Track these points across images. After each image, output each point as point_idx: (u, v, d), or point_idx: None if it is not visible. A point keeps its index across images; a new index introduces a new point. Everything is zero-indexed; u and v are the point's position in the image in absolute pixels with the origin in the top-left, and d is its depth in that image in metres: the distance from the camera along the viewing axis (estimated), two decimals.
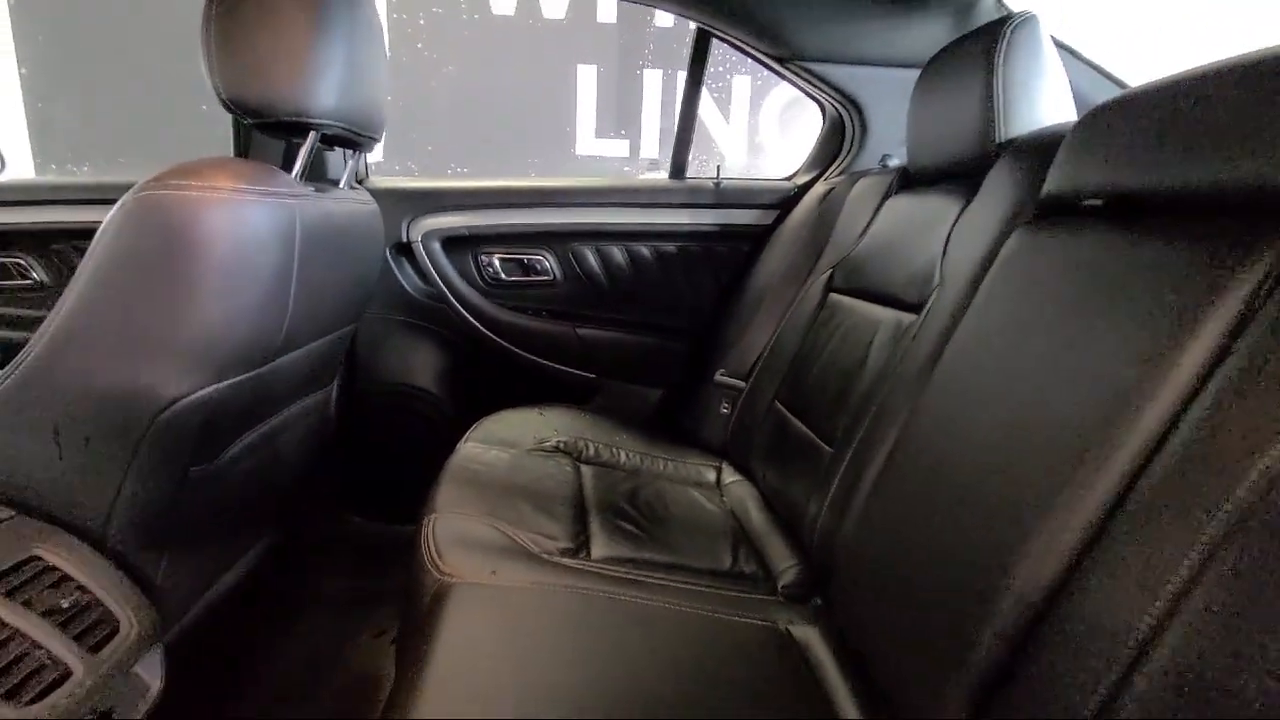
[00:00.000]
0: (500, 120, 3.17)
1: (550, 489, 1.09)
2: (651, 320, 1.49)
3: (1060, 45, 1.19)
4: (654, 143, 3.58)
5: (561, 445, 1.26)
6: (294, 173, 0.86)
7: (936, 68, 1.01)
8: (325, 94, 0.82)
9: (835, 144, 1.43)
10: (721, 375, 1.39)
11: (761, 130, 3.55)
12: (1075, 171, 0.68)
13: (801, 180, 1.48)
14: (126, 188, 0.70)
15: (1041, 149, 0.78)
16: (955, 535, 0.61)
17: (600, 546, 0.96)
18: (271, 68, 0.78)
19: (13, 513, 0.70)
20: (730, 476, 1.31)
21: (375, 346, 1.39)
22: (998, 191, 0.83)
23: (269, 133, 0.87)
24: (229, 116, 0.94)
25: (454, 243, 1.41)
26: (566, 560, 0.89)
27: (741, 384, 1.35)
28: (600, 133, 3.58)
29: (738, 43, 1.31)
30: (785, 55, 1.31)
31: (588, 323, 1.47)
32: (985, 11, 1.17)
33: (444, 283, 1.40)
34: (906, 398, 0.80)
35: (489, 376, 1.47)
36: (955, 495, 0.64)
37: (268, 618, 1.23)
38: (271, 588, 1.25)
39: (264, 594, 1.22)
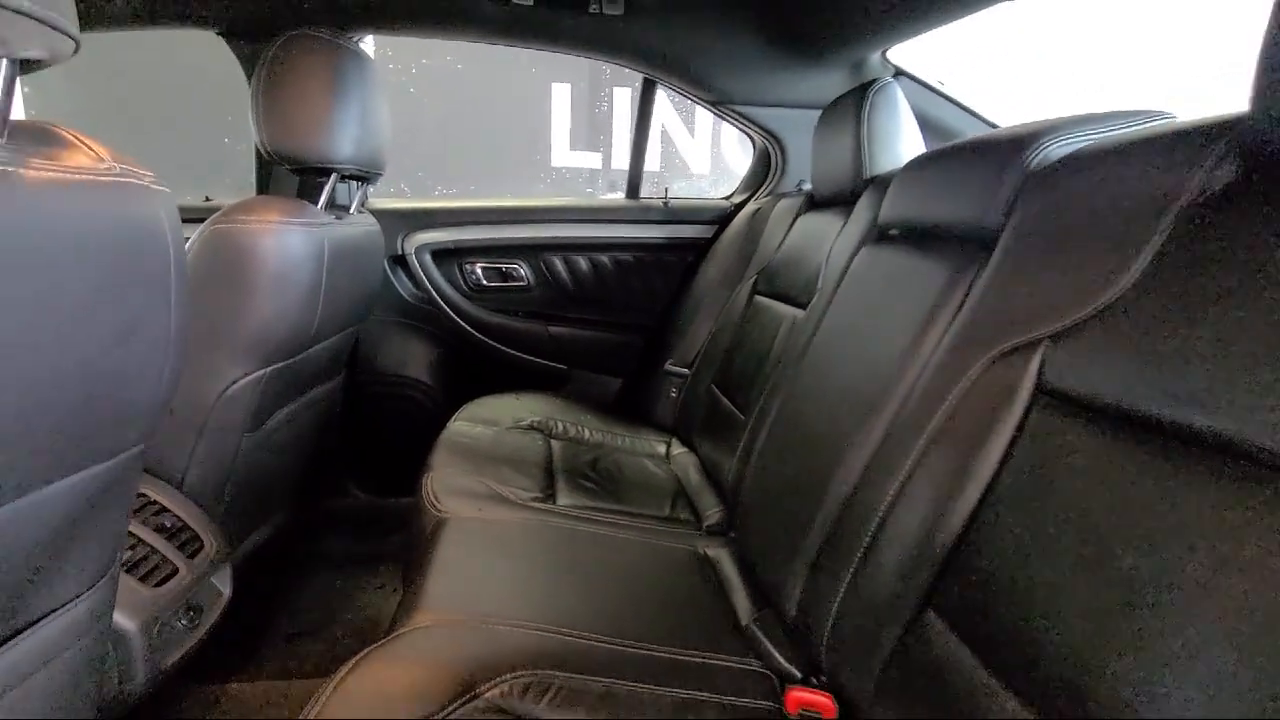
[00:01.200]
0: (484, 139, 3.41)
1: (525, 456, 1.33)
2: (611, 319, 1.75)
3: (937, 91, 1.48)
4: (624, 155, 3.84)
5: (535, 424, 1.51)
6: (319, 204, 1.10)
7: (827, 116, 1.28)
8: (343, 144, 1.06)
9: (763, 171, 1.70)
10: (670, 365, 1.65)
11: (722, 142, 3.83)
12: (890, 206, 0.95)
13: (737, 200, 1.75)
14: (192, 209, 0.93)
15: (885, 186, 1.05)
16: (803, 466, 0.88)
17: (565, 497, 1.21)
18: (304, 127, 1.02)
19: None
20: (677, 449, 1.56)
21: (376, 344, 1.63)
22: (860, 217, 1.10)
23: (300, 174, 1.11)
24: (250, 147, 1.18)
25: (442, 254, 1.65)
26: (537, 504, 1.14)
27: (686, 371, 1.61)
28: (574, 145, 3.83)
29: (679, 90, 1.58)
30: (718, 100, 1.58)
31: (557, 321, 1.72)
32: (872, 67, 1.45)
33: (434, 289, 1.64)
34: (790, 376, 1.06)
35: (473, 368, 1.71)
36: (806, 440, 0.90)
37: (287, 573, 1.46)
38: (290, 550, 1.48)
39: (284, 555, 1.45)
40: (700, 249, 1.72)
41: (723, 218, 1.72)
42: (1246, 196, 0.51)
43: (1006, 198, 0.72)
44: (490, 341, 1.69)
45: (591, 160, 3.83)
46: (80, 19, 0.42)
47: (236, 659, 1.15)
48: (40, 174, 0.40)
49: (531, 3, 1.26)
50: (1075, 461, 0.54)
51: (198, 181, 1.70)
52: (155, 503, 0.88)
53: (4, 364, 0.39)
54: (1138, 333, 0.53)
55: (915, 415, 0.72)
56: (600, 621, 0.82)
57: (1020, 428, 0.61)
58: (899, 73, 1.46)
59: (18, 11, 0.36)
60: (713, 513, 1.23)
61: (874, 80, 1.19)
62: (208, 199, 1.54)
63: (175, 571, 0.83)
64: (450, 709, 0.64)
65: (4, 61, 0.39)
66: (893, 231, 0.94)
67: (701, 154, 3.85)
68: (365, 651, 0.69)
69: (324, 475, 1.58)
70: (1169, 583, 0.43)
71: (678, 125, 3.84)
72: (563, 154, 3.75)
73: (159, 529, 0.85)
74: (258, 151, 1.37)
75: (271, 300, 0.96)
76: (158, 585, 0.79)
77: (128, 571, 0.77)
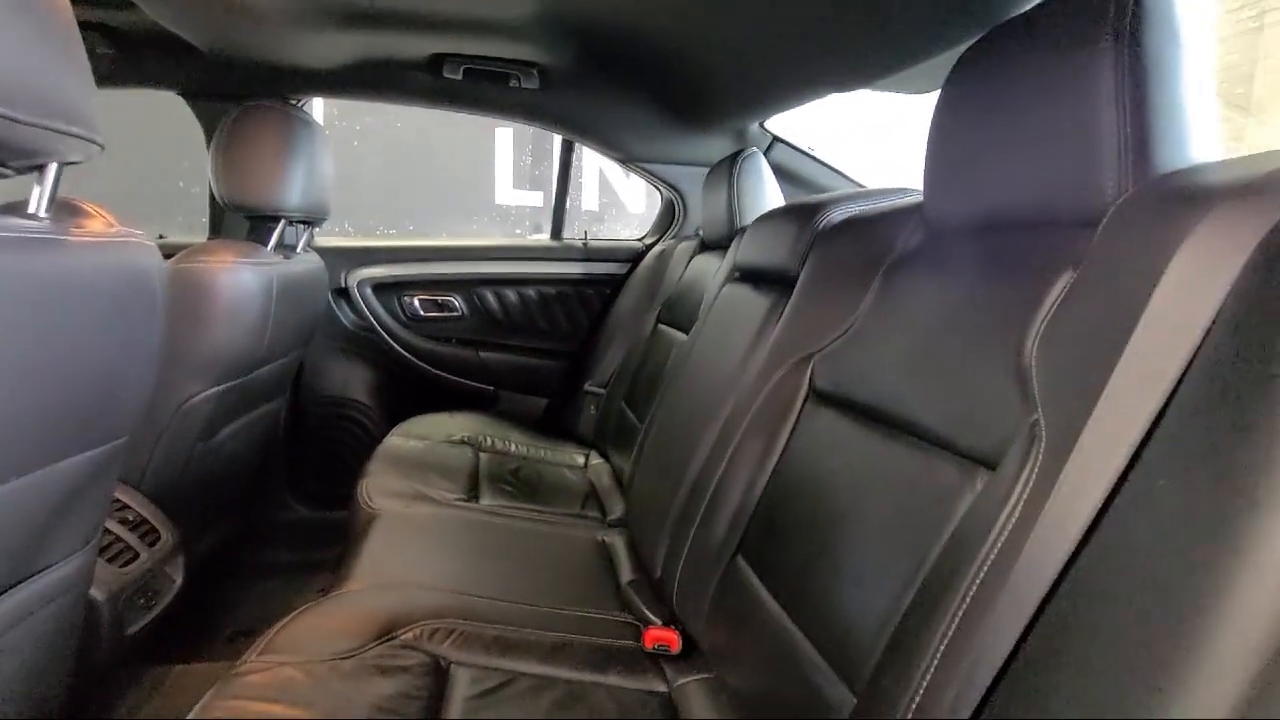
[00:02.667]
0: (430, 181, 3.63)
1: (454, 466, 1.51)
2: (537, 345, 1.95)
3: (807, 154, 1.76)
4: None
5: (465, 439, 1.69)
6: (269, 245, 1.28)
7: (709, 177, 1.54)
8: (291, 195, 1.25)
9: (669, 217, 1.96)
10: (589, 385, 1.86)
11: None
12: (740, 253, 1.20)
13: (648, 241, 2.00)
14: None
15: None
16: (670, 458, 1.09)
17: (486, 498, 1.39)
18: (257, 181, 1.21)
19: None
20: (595, 460, 1.76)
21: (319, 368, 1.79)
22: (730, 259, 1.34)
23: (251, 219, 1.29)
24: (203, 190, 1.35)
25: (382, 288, 1.83)
26: (460, 504, 1.32)
27: (602, 391, 1.82)
28: (517, 185, 4.07)
29: (593, 148, 1.83)
30: (626, 158, 1.83)
31: (488, 348, 1.91)
32: (752, 134, 1.73)
33: (374, 318, 1.81)
34: (669, 388, 1.29)
35: (410, 391, 1.88)
36: (673, 438, 1.12)
37: (231, 578, 1.57)
38: (234, 558, 1.60)
39: (229, 562, 1.56)
40: (616, 284, 1.95)
41: (635, 256, 1.96)
42: (925, 255, 0.76)
43: (802, 251, 0.97)
44: (426, 366, 1.86)
45: (533, 199, 4.07)
46: None
47: (183, 650, 1.27)
48: (75, 238, 0.59)
49: (459, 77, 1.48)
50: (828, 439, 0.77)
51: (152, 220, 1.83)
52: (118, 500, 1.02)
53: (40, 369, 0.56)
54: (862, 349, 0.77)
55: (740, 411, 0.94)
56: (500, 586, 1.00)
57: (799, 417, 0.84)
58: (775, 139, 1.74)
59: (67, 134, 0.55)
60: (617, 510, 1.43)
61: (742, 149, 1.46)
62: (161, 236, 1.68)
63: (136, 556, 0.97)
64: (370, 646, 0.81)
65: (54, 165, 0.58)
66: (737, 273, 1.19)
67: (637, 196, 4.14)
68: (301, 609, 0.86)
69: (267, 488, 1.71)
70: (868, 518, 0.65)
71: (615, 170, 4.13)
72: (505, 193, 3.98)
73: (123, 521, 1.00)
74: (212, 197, 1.54)
75: (224, 328, 1.13)
76: (122, 566, 0.94)
77: (98, 554, 0.92)
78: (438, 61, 1.45)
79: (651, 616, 0.97)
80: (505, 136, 3.89)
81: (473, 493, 1.40)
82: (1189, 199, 0.45)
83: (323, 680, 0.73)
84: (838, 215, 0.97)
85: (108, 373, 0.64)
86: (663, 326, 1.64)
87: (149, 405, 1.04)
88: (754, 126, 1.72)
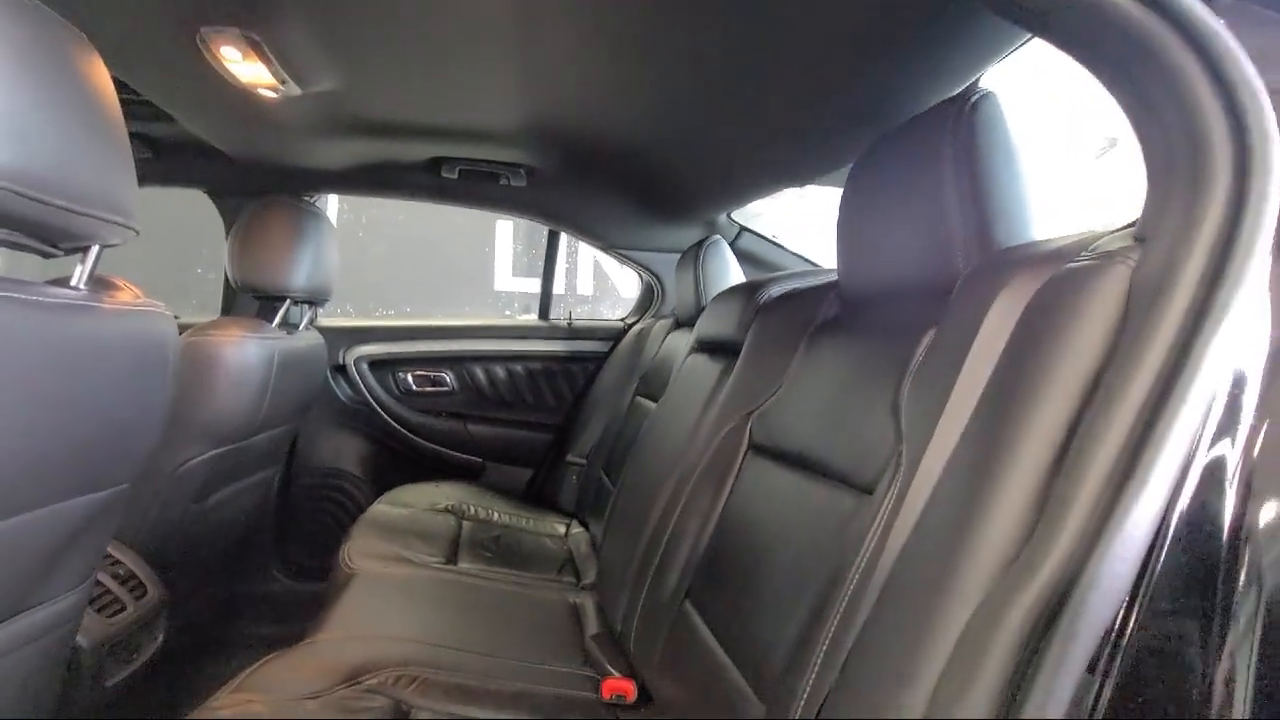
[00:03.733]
0: (433, 267, 3.87)
1: (436, 533, 1.56)
2: (523, 418, 2.04)
3: (769, 240, 1.93)
4: (560, 281, 4.34)
5: (450, 507, 1.75)
6: (274, 323, 1.40)
7: (680, 261, 1.69)
8: (297, 278, 1.39)
9: (648, 299, 2.11)
10: (571, 457, 1.94)
11: None
12: (699, 327, 1.32)
13: (629, 321, 2.14)
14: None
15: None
16: (633, 517, 1.16)
17: (464, 562, 1.44)
18: (267, 266, 1.35)
19: None
20: (575, 530, 1.81)
21: (313, 441, 1.87)
22: (695, 333, 1.46)
23: (260, 299, 1.42)
24: (218, 277, 1.49)
25: (377, 364, 1.94)
26: (438, 566, 1.37)
27: (584, 462, 1.89)
28: (516, 272, 4.30)
29: (576, 237, 2.01)
30: (607, 245, 2.01)
31: (476, 420, 2.00)
32: (721, 223, 1.90)
33: (369, 393, 1.92)
34: (637, 452, 1.37)
35: (401, 462, 1.95)
36: (636, 497, 1.19)
37: (209, 647, 1.58)
38: (215, 627, 1.62)
39: (209, 631, 1.58)
40: (598, 360, 2.07)
41: (617, 335, 2.09)
42: (839, 321, 0.87)
43: (746, 322, 1.09)
44: (416, 438, 1.95)
45: (531, 285, 4.29)
46: None
47: (157, 710, 1.28)
48: (108, 306, 0.70)
49: (456, 176, 1.67)
50: (762, 486, 0.85)
51: (170, 302, 1.99)
52: (111, 555, 1.09)
53: (65, 414, 0.66)
54: (789, 405, 0.87)
55: (691, 468, 1.02)
56: (467, 639, 1.05)
57: (740, 469, 0.92)
58: (742, 229, 1.92)
59: (110, 221, 0.68)
60: (592, 575, 1.47)
61: (708, 237, 1.61)
62: (176, 317, 1.82)
63: (124, 609, 1.03)
64: (336, 689, 0.85)
65: (95, 247, 0.70)
66: (697, 345, 1.31)
67: (630, 281, 4.36)
68: (273, 655, 0.91)
69: (254, 558, 1.75)
70: (787, 550, 0.72)
71: (607, 258, 4.39)
72: (505, 280, 4.20)
73: (114, 575, 1.06)
74: (226, 280, 1.69)
75: (226, 396, 1.23)
76: (109, 617, 0.99)
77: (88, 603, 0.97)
78: (436, 163, 1.64)
79: (610, 669, 1.01)
80: (505, 228, 4.15)
81: (452, 557, 1.45)
82: (1004, 267, 0.57)
83: (290, 714, 0.78)
84: (776, 291, 1.09)
85: (121, 423, 0.74)
86: (639, 399, 1.74)
87: (154, 466, 1.13)
88: (723, 217, 1.89)
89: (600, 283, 4.45)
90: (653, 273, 2.04)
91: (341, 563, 1.30)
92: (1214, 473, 0.34)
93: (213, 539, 1.38)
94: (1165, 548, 0.33)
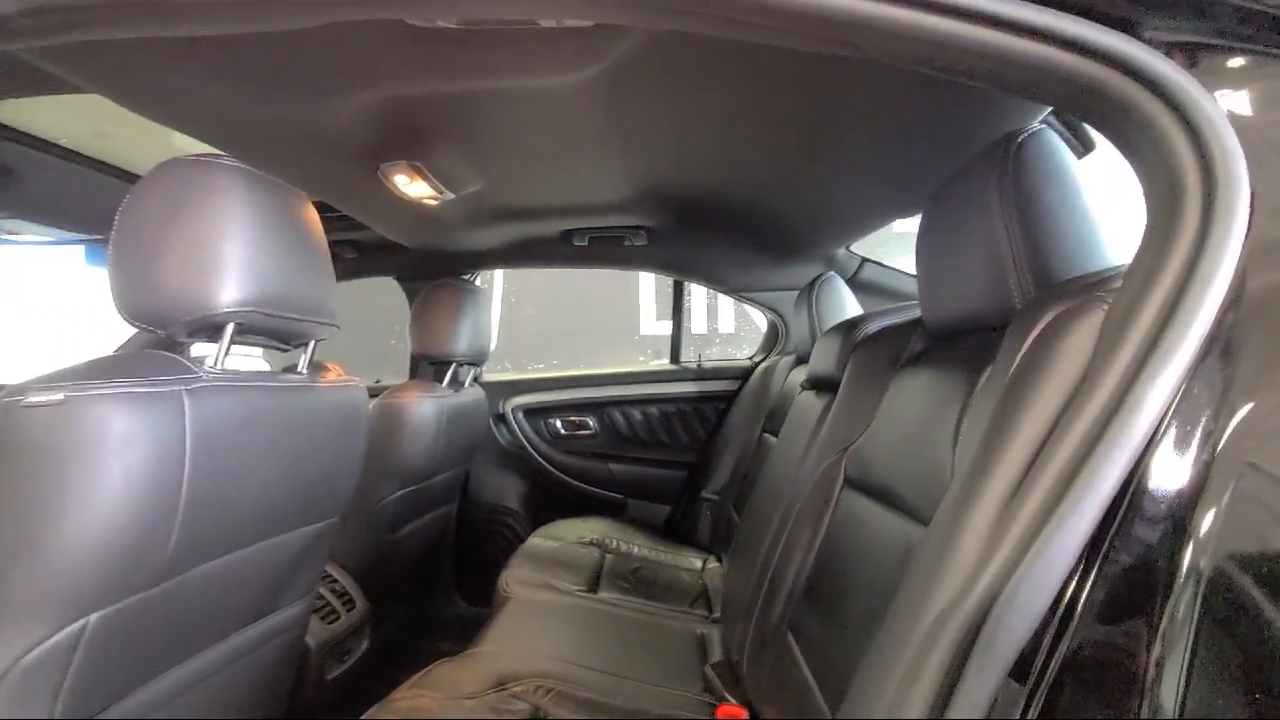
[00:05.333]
0: (583, 318, 4.26)
1: (580, 563, 1.72)
2: (659, 457, 2.17)
3: (894, 270, 1.90)
4: (701, 321, 4.50)
5: (594, 541, 1.91)
6: (444, 383, 1.68)
7: (797, 300, 1.73)
8: (459, 345, 1.66)
9: (773, 337, 2.15)
10: (706, 493, 2.02)
11: None
12: (810, 362, 1.35)
13: (757, 359, 2.19)
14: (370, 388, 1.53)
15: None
16: (751, 549, 1.22)
17: (604, 591, 1.57)
18: (439, 336, 1.64)
19: None
20: (712, 565, 1.88)
21: (481, 481, 2.16)
22: (807, 370, 1.50)
23: (433, 364, 1.72)
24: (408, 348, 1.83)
25: (530, 412, 2.20)
26: (579, 594, 1.52)
27: (716, 498, 1.97)
28: (660, 316, 4.53)
29: (698, 284, 2.13)
30: (731, 289, 2.10)
31: (617, 460, 2.17)
32: (841, 258, 1.91)
33: (524, 438, 2.17)
34: (757, 485, 1.42)
35: (553, 499, 2.17)
36: (753, 530, 1.25)
37: (401, 661, 1.87)
38: (407, 644, 1.91)
39: (400, 647, 1.88)
40: (728, 398, 2.14)
41: (746, 373, 2.15)
42: (922, 357, 0.89)
43: (844, 358, 1.12)
44: (565, 478, 2.16)
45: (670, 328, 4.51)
46: None
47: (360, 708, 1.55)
48: (320, 385, 0.94)
49: (586, 244, 1.89)
50: (854, 519, 0.89)
51: (378, 368, 2.44)
52: (330, 574, 1.38)
53: (292, 466, 0.90)
54: (878, 440, 0.90)
55: (795, 502, 1.07)
56: (598, 660, 1.17)
57: (836, 503, 0.95)
58: (864, 260, 1.91)
59: (322, 323, 0.92)
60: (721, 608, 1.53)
61: (820, 275, 1.65)
62: (378, 380, 2.23)
63: (339, 617, 1.30)
64: (488, 693, 1.01)
65: (312, 341, 0.95)
66: (807, 382, 1.34)
67: (728, 317, 4.42)
68: (443, 660, 1.10)
69: (438, 584, 2.05)
70: (865, 580, 0.76)
71: (710, 296, 4.48)
72: (650, 324, 4.45)
73: (331, 590, 1.34)
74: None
75: (408, 445, 1.51)
76: (329, 623, 1.26)
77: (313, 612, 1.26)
78: (568, 235, 1.87)
79: (726, 695, 1.07)
80: (648, 278, 4.41)
81: (593, 586, 1.59)
82: (1048, 302, 0.58)
83: (451, 711, 0.95)
84: (873, 328, 1.11)
85: (330, 471, 0.98)
86: (765, 435, 1.78)
87: (357, 502, 1.41)
88: (841, 251, 1.90)
89: (742, 320, 4.52)
90: (776, 311, 2.09)
91: (500, 588, 1.50)
92: (1154, 502, 0.35)
93: (404, 564, 1.66)
94: (1096, 571, 0.35)
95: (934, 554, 0.46)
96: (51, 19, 0.61)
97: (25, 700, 0.60)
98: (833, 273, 1.65)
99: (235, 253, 0.76)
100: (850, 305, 1.62)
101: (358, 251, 1.96)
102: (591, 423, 2.20)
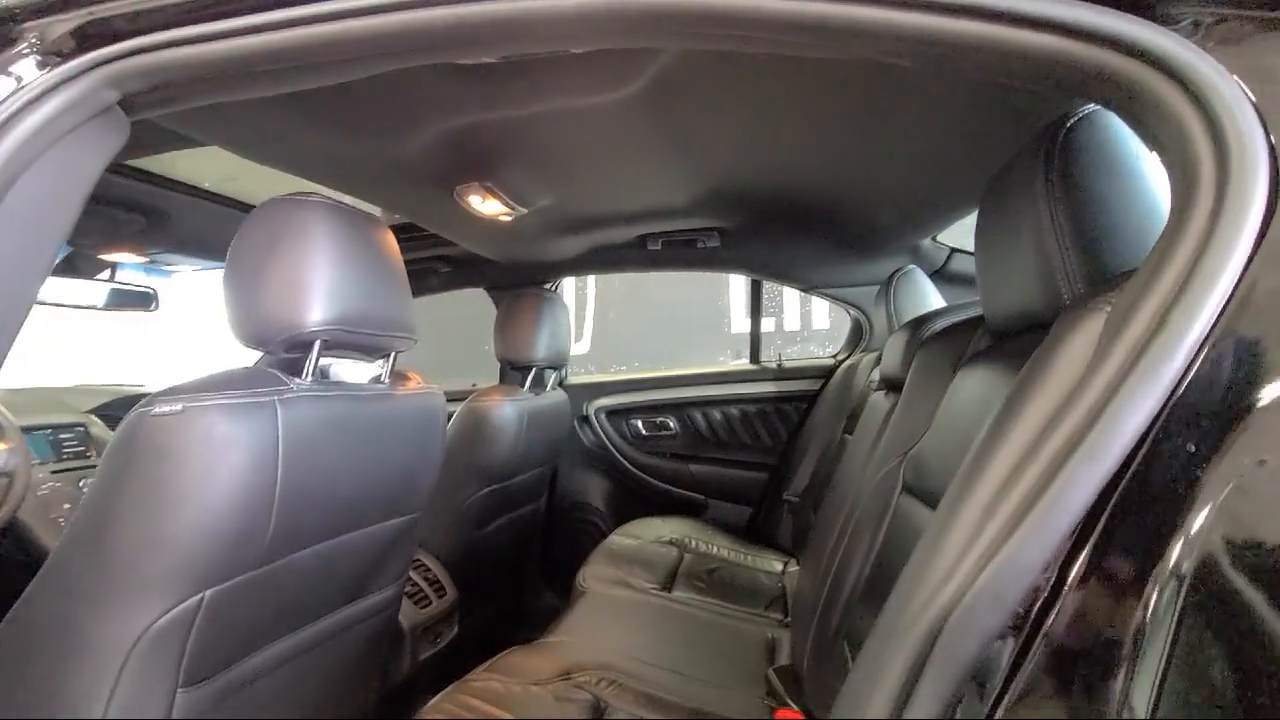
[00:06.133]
0: (673, 323, 4.31)
1: (658, 562, 1.76)
2: (740, 458, 2.16)
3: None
4: (795, 319, 4.38)
5: (673, 540, 1.94)
6: (525, 387, 1.78)
7: (876, 295, 1.67)
8: (538, 351, 1.75)
9: (857, 334, 2.07)
10: (787, 495, 1.98)
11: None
12: (882, 362, 1.30)
13: (841, 357, 2.12)
14: (463, 391, 1.65)
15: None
16: (818, 553, 1.19)
17: (678, 590, 1.60)
18: (520, 342, 1.74)
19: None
20: (793, 567, 1.84)
21: (568, 480, 2.25)
22: (879, 368, 1.44)
23: (515, 369, 1.83)
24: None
25: (613, 414, 2.27)
26: (654, 593, 1.55)
27: (798, 500, 1.93)
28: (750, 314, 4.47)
29: (776, 283, 2.09)
30: (808, 287, 2.05)
31: (697, 461, 2.18)
32: (927, 249, 1.81)
33: (607, 439, 2.24)
34: (828, 492, 1.38)
35: (635, 498, 2.23)
36: (821, 533, 1.22)
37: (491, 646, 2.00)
38: (498, 631, 2.04)
39: (491, 634, 2.00)
40: (811, 398, 2.09)
41: (828, 371, 2.09)
42: (983, 357, 0.84)
43: (909, 358, 1.07)
44: (647, 478, 2.20)
45: (766, 325, 4.42)
46: (414, 291, 1.07)
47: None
48: (400, 393, 1.04)
49: (659, 247, 1.92)
50: (910, 526, 0.86)
51: (475, 373, 2.61)
52: (423, 562, 1.51)
53: (377, 467, 1.00)
54: (936, 444, 0.86)
55: (855, 507, 1.04)
56: (662, 657, 1.20)
57: (894, 510, 0.92)
58: (953, 250, 1.80)
59: (402, 337, 1.02)
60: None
61: (899, 269, 1.57)
62: (473, 384, 2.39)
63: (430, 602, 1.42)
64: (554, 680, 1.07)
65: (393, 354, 1.05)
66: (876, 382, 1.29)
67: (823, 313, 4.23)
68: (515, 648, 1.17)
69: (527, 577, 2.16)
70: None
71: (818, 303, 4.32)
72: (740, 322, 4.41)
73: (424, 577, 1.47)
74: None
75: (491, 447, 1.61)
76: (421, 607, 1.39)
77: (405, 597, 1.38)
78: (642, 240, 1.91)
79: (787, 700, 1.06)
80: (738, 277, 4.38)
81: (668, 585, 1.62)
82: (1089, 298, 0.54)
83: (517, 696, 1.01)
84: (939, 325, 1.06)
85: (409, 470, 1.07)
86: (846, 436, 1.73)
87: (447, 499, 1.53)
88: (926, 242, 1.80)
89: (838, 315, 4.36)
90: (859, 308, 2.02)
91: (578, 583, 1.57)
92: (1142, 502, 0.32)
93: (492, 558, 1.77)
94: (1070, 581, 0.33)
95: (922, 554, 0.45)
96: (166, 93, 0.73)
97: (157, 660, 0.72)
98: (913, 266, 1.57)
99: (320, 279, 0.86)
100: (932, 299, 1.54)
101: (450, 266, 2.11)
102: (672, 423, 2.23)
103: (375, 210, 1.43)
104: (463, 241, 1.79)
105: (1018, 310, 0.73)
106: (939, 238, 1.80)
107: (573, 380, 2.34)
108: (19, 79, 0.68)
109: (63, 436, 1.57)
